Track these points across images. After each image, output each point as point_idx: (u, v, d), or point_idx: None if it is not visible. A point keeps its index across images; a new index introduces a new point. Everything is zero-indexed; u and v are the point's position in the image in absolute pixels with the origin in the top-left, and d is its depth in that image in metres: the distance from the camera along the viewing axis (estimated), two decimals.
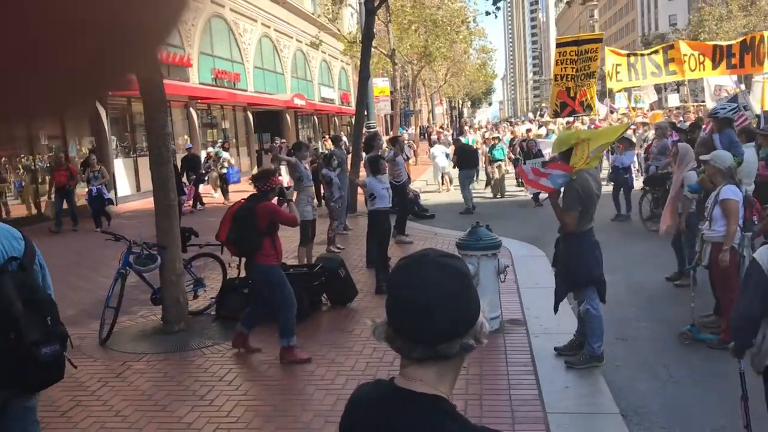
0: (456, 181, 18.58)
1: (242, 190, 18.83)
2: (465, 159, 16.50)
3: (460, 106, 72.05)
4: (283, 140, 23.46)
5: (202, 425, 4.83)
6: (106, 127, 18.95)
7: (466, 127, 28.06)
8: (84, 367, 6.19)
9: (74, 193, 15.13)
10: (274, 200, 6.44)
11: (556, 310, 6.01)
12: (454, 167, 17.34)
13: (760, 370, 3.67)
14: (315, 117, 40.63)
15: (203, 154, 21.23)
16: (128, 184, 20.53)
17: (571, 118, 16.57)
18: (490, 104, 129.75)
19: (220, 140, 26.56)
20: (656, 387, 5.43)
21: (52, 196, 15.16)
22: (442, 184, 20.66)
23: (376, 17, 16.98)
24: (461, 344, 1.33)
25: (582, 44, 13.94)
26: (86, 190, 15.06)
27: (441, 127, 43.36)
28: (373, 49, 28.59)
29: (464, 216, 14.57)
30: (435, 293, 1.32)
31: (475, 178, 18.81)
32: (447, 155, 20.23)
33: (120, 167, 20.14)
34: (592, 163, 5.68)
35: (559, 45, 14.47)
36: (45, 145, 17.43)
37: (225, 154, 20.13)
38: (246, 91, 28.63)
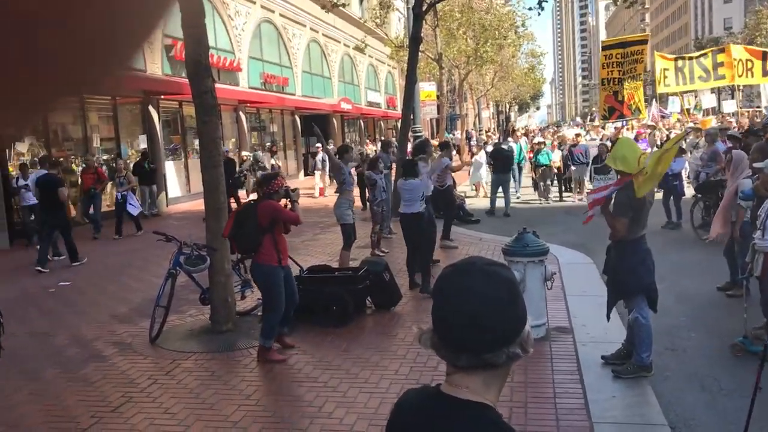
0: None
1: None
2: (498, 163, 16.48)
3: (507, 110, 71.53)
4: (318, 144, 23.55)
5: (248, 424, 4.91)
6: (158, 129, 19.38)
7: (518, 132, 27.76)
8: (135, 364, 6.37)
9: (100, 198, 14.81)
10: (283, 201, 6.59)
11: (608, 317, 5.93)
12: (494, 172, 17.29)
13: None
14: (361, 121, 40.82)
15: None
16: (178, 185, 20.96)
17: (619, 123, 16.29)
18: (537, 108, 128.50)
19: (267, 143, 26.94)
20: (706, 399, 5.31)
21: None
22: (476, 189, 20.64)
23: (423, 21, 16.98)
24: (508, 353, 1.33)
25: (628, 46, 13.73)
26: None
27: (488, 132, 43.08)
28: (420, 54, 28.66)
29: (509, 221, 14.48)
30: (482, 302, 1.33)
31: (516, 185, 18.72)
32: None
33: (171, 169, 20.58)
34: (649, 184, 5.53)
35: (604, 48, 14.28)
36: (97, 147, 17.88)
37: (262, 156, 20.13)
38: (294, 95, 28.97)
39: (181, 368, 6.19)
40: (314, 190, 21.71)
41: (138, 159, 18.24)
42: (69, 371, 6.24)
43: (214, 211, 7.18)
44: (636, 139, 19.11)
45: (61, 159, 16.56)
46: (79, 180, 15.79)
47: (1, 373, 6.26)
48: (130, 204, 14.48)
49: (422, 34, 26.73)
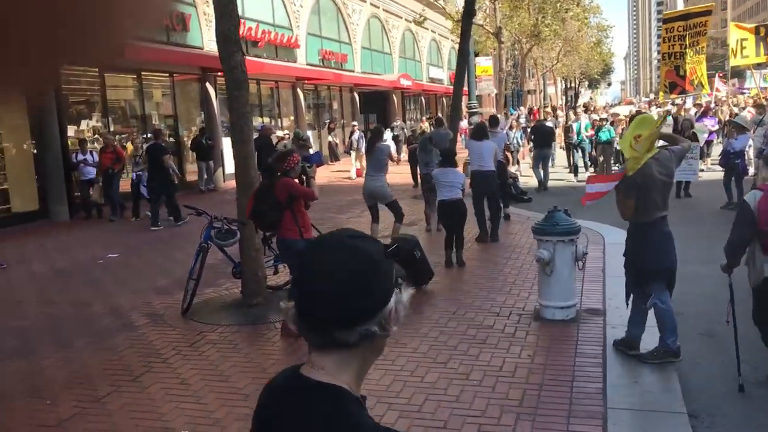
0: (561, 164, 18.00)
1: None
2: (540, 138, 16.40)
3: (577, 86, 69.64)
4: (355, 123, 23.34)
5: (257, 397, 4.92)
6: (215, 106, 19.67)
7: (580, 110, 26.94)
8: (163, 335, 6.51)
9: (119, 178, 14.13)
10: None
11: (627, 304, 5.67)
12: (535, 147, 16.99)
13: (757, 283, 4.98)
14: (422, 97, 40.51)
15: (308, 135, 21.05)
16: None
17: (680, 100, 15.54)
18: (609, 84, 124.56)
19: (326, 120, 27.03)
20: (738, 388, 5.02)
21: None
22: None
23: None
24: (361, 331, 1.23)
25: (690, 18, 13.03)
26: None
27: (553, 108, 42.09)
28: (479, 28, 28.12)
29: (562, 200, 14.06)
30: (333, 275, 1.24)
31: (581, 166, 18.28)
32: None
33: (228, 146, 20.84)
34: (637, 162, 5.25)
35: (665, 21, 13.62)
36: (156, 124, 18.27)
37: (305, 134, 19.57)
38: (353, 71, 28.91)
39: (206, 340, 6.27)
40: (350, 171, 20.76)
41: (196, 135, 18.60)
42: (99, 340, 6.42)
43: (244, 187, 7.21)
44: (704, 114, 18.26)
45: (125, 134, 17.06)
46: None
47: (37, 340, 6.51)
48: (143, 185, 13.66)
49: (484, 8, 26.18)
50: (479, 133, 10.74)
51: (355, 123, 23.18)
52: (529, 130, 20.23)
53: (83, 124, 15.68)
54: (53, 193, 14.14)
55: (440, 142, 12.54)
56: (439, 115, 24.43)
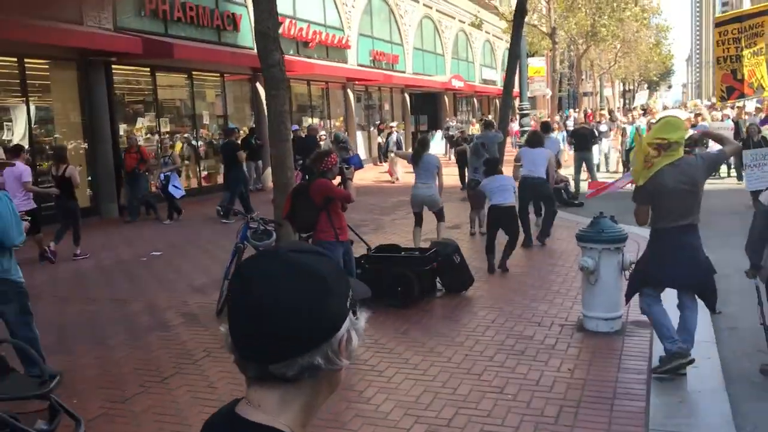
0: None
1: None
2: (580, 141, 16.14)
3: (636, 88, 68.00)
4: (393, 124, 23.07)
5: None
6: (265, 107, 19.77)
7: (636, 113, 26.17)
8: (196, 335, 6.46)
9: (146, 178, 13.89)
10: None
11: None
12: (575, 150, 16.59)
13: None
14: (475, 99, 40.08)
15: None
16: None
17: (741, 103, 14.85)
18: (669, 87, 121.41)
19: (376, 121, 26.99)
20: None
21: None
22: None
23: None
24: (303, 364, 1.04)
25: (745, 20, 12.38)
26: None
27: (609, 111, 41.11)
28: (533, 28, 27.62)
29: (617, 206, 13.61)
30: (270, 296, 1.03)
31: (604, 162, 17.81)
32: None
33: None
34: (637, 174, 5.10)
35: (718, 24, 13.00)
36: (207, 124, 18.47)
37: (344, 136, 19.13)
38: (404, 72, 28.76)
39: None
40: (396, 174, 19.96)
41: (245, 135, 18.71)
42: (135, 339, 6.41)
43: (281, 186, 7.13)
44: (767, 118, 17.51)
45: (177, 134, 17.27)
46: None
47: (77, 337, 6.55)
48: (173, 185, 13.51)
49: (539, 9, 25.69)
50: (534, 140, 10.74)
51: (393, 124, 22.89)
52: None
53: (138, 122, 15.93)
54: (104, 191, 14.38)
55: (490, 145, 12.30)
56: (489, 117, 24.05)
